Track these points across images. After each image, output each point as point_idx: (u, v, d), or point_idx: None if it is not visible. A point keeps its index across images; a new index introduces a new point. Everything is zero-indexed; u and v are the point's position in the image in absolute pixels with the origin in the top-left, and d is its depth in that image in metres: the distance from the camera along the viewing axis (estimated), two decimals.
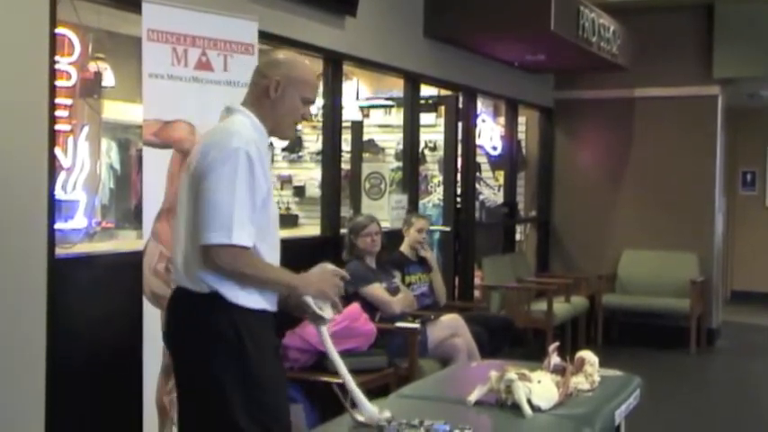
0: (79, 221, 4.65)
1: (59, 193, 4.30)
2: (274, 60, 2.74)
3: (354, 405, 2.69)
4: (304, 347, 4.47)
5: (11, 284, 3.44)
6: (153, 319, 3.68)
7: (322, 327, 2.71)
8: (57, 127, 3.83)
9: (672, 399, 6.21)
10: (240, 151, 2.48)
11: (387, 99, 8.42)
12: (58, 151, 4.11)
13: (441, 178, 7.99)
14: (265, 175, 2.54)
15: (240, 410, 2.51)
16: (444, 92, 7.56)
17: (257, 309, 2.57)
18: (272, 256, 2.64)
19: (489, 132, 8.75)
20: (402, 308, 5.14)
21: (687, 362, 7.98)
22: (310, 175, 8.69)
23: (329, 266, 2.71)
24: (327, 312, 2.66)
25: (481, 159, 8.55)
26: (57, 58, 3.82)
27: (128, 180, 7.37)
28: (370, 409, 2.66)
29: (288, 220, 8.15)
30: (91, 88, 5.45)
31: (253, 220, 2.49)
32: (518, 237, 9.08)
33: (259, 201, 2.51)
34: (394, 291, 5.22)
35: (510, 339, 5.88)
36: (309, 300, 2.62)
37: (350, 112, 7.35)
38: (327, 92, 5.67)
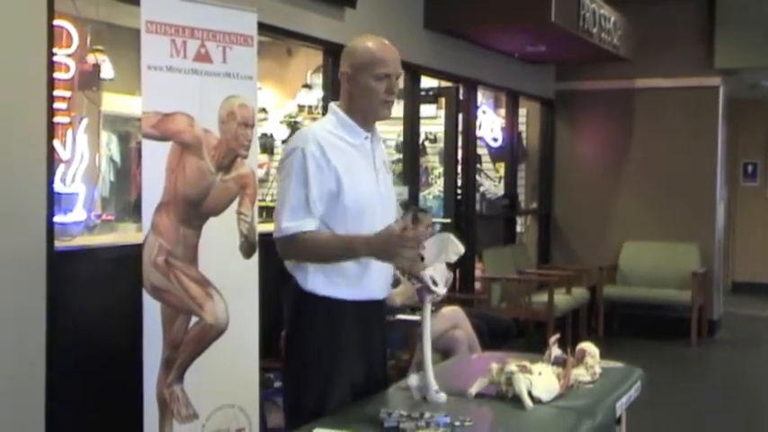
0: (78, 214, 4.63)
1: (58, 186, 4.28)
2: (343, 54, 2.82)
3: (417, 371, 2.78)
4: None
5: (10, 277, 3.43)
6: (153, 312, 3.67)
7: (428, 298, 2.78)
8: (55, 119, 3.81)
9: (673, 390, 6.20)
10: (296, 150, 2.66)
11: None
12: (56, 144, 4.10)
13: (441, 170, 7.98)
14: (330, 168, 2.64)
15: (290, 382, 2.81)
16: (445, 83, 7.54)
17: (318, 294, 2.70)
18: None
19: (490, 124, 8.73)
20: (403, 300, 5.13)
21: (688, 353, 7.98)
22: None
23: (398, 229, 2.58)
24: (440, 288, 2.75)
25: (482, 151, 8.53)
26: (55, 50, 3.80)
27: (128, 173, 7.36)
28: (430, 382, 2.74)
29: None
30: (90, 80, 5.42)
31: (313, 212, 2.63)
32: (519, 228, 9.07)
33: (324, 192, 2.64)
34: (394, 283, 5.20)
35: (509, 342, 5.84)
36: (426, 275, 2.72)
37: None
38: (327, 84, 5.65)
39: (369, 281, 2.75)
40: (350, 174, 2.67)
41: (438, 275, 2.74)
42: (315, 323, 2.71)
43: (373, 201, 2.75)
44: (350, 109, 2.76)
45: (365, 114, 2.77)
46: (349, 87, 2.75)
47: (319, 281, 2.70)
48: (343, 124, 2.75)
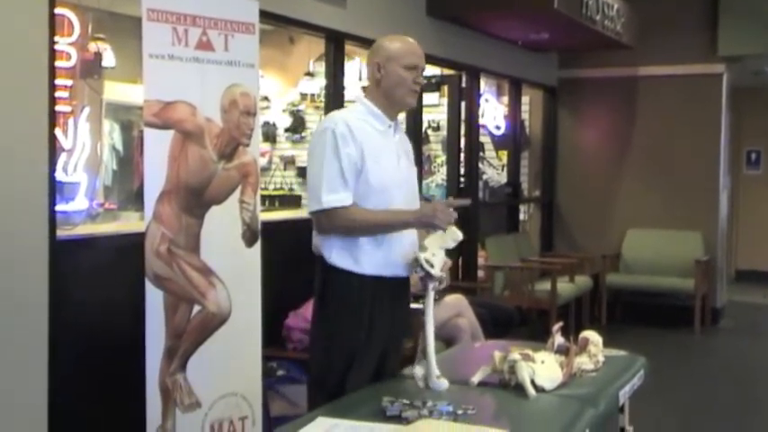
0: (80, 203, 4.63)
1: (60, 175, 4.28)
2: (374, 47, 3.06)
3: (422, 360, 2.85)
4: (307, 328, 4.45)
5: (12, 266, 3.42)
6: (155, 301, 3.67)
7: (430, 285, 2.87)
8: (57, 108, 3.80)
9: (676, 378, 6.21)
10: (327, 131, 2.87)
11: None
12: (58, 132, 4.09)
13: (444, 158, 7.96)
14: (357, 144, 2.84)
15: (315, 353, 3.00)
16: (447, 71, 7.52)
17: (343, 268, 2.87)
18: None
19: (492, 112, 8.72)
20: None
21: (691, 341, 7.98)
22: None
23: (447, 200, 3.05)
24: (436, 270, 2.83)
25: (484, 139, 8.52)
26: (56, 38, 3.79)
27: (130, 161, 7.36)
28: (432, 368, 2.80)
29: (290, 200, 8.13)
30: (91, 69, 5.42)
31: (348, 185, 2.84)
32: (522, 216, 9.06)
33: (353, 166, 2.83)
34: None
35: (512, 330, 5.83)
36: (421, 257, 2.82)
37: (352, 93, 7.32)
38: (329, 72, 5.63)
39: (387, 255, 2.89)
40: (373, 153, 2.88)
41: (435, 260, 2.83)
42: (340, 298, 2.87)
43: (392, 183, 2.92)
44: (377, 99, 2.98)
45: (393, 102, 2.98)
46: (379, 76, 2.97)
47: (343, 256, 2.87)
48: (370, 113, 2.97)
